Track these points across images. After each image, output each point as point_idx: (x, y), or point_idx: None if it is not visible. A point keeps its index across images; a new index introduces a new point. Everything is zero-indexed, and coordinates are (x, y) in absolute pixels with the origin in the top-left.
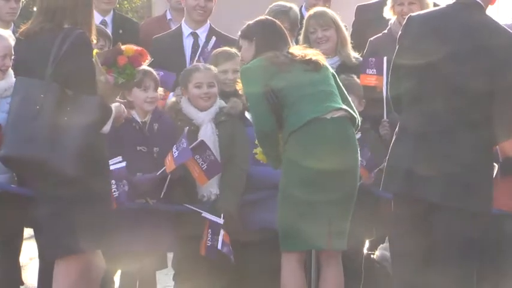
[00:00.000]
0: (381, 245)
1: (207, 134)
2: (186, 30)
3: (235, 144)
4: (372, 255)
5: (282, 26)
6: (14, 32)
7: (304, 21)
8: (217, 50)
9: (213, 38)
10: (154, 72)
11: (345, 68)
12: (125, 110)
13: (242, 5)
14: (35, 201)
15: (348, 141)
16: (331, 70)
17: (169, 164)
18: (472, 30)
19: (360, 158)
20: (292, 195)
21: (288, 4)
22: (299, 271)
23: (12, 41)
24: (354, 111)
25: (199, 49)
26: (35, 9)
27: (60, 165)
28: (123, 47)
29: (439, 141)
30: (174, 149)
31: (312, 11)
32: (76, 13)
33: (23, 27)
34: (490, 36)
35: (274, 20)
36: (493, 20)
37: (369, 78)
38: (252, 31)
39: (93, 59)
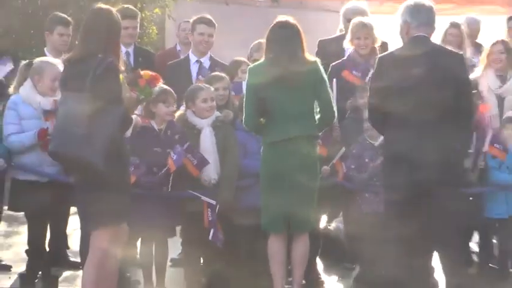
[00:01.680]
0: (336, 219)
1: (207, 136)
2: (193, 58)
3: (228, 144)
4: (328, 227)
5: (295, 33)
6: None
7: None
8: (212, 74)
9: (208, 62)
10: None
11: None
12: (140, 120)
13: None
14: (75, 187)
15: (301, 158)
16: (320, 76)
17: (171, 166)
18: (430, 56)
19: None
20: (263, 186)
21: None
22: (277, 247)
23: (60, 67)
24: (324, 120)
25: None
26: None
27: (92, 160)
28: (142, 72)
29: (431, 133)
30: (172, 154)
31: None
32: (107, 46)
33: (68, 55)
34: (445, 58)
35: (287, 25)
36: (441, 46)
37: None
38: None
39: (121, 80)
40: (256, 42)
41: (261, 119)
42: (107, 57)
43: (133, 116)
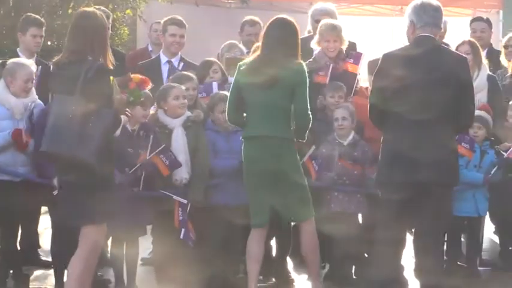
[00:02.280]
0: None
1: (179, 135)
2: (164, 58)
3: (198, 144)
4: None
5: (286, 34)
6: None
7: None
8: (180, 73)
9: (182, 64)
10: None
11: None
12: (127, 120)
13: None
14: (65, 186)
15: (272, 157)
16: (300, 79)
17: (164, 171)
18: (433, 56)
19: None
20: (244, 179)
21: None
22: (255, 245)
23: (34, 67)
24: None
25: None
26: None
27: (84, 159)
28: (132, 76)
29: (430, 133)
30: (164, 159)
31: None
32: (96, 48)
33: (55, 59)
34: (448, 59)
35: (282, 24)
36: (445, 47)
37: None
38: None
39: (111, 82)
40: (227, 42)
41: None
42: (96, 61)
43: (122, 117)
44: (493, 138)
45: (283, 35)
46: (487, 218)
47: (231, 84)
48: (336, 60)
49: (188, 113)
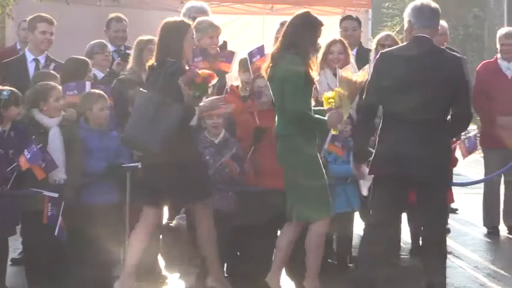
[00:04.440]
0: (177, 216)
1: (55, 135)
2: (30, 56)
3: (72, 142)
4: (170, 224)
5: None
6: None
7: None
8: (44, 71)
9: (52, 64)
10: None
11: None
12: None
13: (72, 38)
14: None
15: (281, 153)
16: (287, 73)
17: (24, 164)
18: (429, 56)
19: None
20: None
21: None
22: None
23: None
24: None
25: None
26: None
27: (149, 144)
28: (199, 71)
29: (421, 131)
30: (26, 152)
31: None
32: (171, 52)
33: (149, 61)
34: (443, 59)
35: (295, 19)
36: (441, 48)
37: None
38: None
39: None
40: (96, 41)
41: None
42: (176, 62)
43: (196, 108)
44: None
45: (289, 30)
46: (357, 215)
47: None
48: (214, 57)
49: (62, 112)
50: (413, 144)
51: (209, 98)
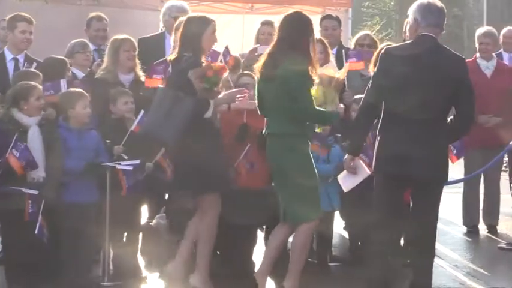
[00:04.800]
0: (157, 216)
1: (35, 134)
2: (9, 55)
3: (52, 142)
4: (150, 223)
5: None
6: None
7: None
8: (26, 70)
9: (35, 63)
10: None
11: None
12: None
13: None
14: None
15: (276, 154)
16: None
17: (15, 163)
18: (433, 56)
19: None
20: None
21: None
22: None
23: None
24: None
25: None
26: None
27: (166, 139)
28: (212, 64)
29: (421, 130)
30: (14, 152)
31: None
32: (188, 47)
33: (172, 57)
34: (447, 59)
35: (291, 19)
36: (445, 48)
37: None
38: None
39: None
40: (78, 40)
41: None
42: (190, 56)
43: (211, 100)
44: (338, 135)
45: (292, 31)
46: (337, 214)
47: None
48: None
49: (42, 111)
50: (412, 143)
51: (229, 91)
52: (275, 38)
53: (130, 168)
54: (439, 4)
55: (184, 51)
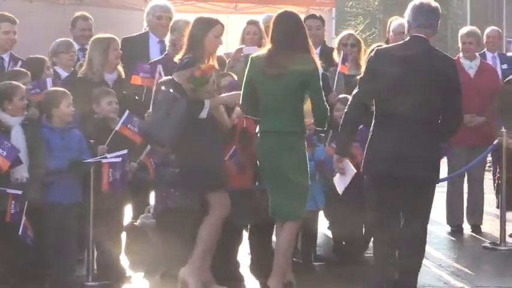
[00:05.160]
0: (141, 215)
1: (18, 134)
2: None
3: (35, 142)
4: (134, 223)
5: (292, 26)
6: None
7: None
8: (15, 69)
9: (20, 62)
10: None
11: None
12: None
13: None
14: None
15: (278, 152)
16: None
17: (3, 163)
18: (423, 57)
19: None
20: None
21: None
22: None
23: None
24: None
25: (6, 69)
26: None
27: (163, 139)
28: (201, 65)
29: (413, 131)
30: (1, 151)
31: None
32: (191, 48)
33: (178, 57)
34: (437, 60)
35: (289, 18)
36: (436, 49)
37: None
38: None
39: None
40: (62, 40)
41: None
42: (190, 58)
43: (206, 101)
44: (322, 134)
45: (290, 28)
46: (321, 213)
47: (244, 78)
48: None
49: (25, 111)
50: (405, 144)
51: (231, 93)
52: (268, 37)
53: (119, 160)
54: (433, 4)
55: (188, 52)
